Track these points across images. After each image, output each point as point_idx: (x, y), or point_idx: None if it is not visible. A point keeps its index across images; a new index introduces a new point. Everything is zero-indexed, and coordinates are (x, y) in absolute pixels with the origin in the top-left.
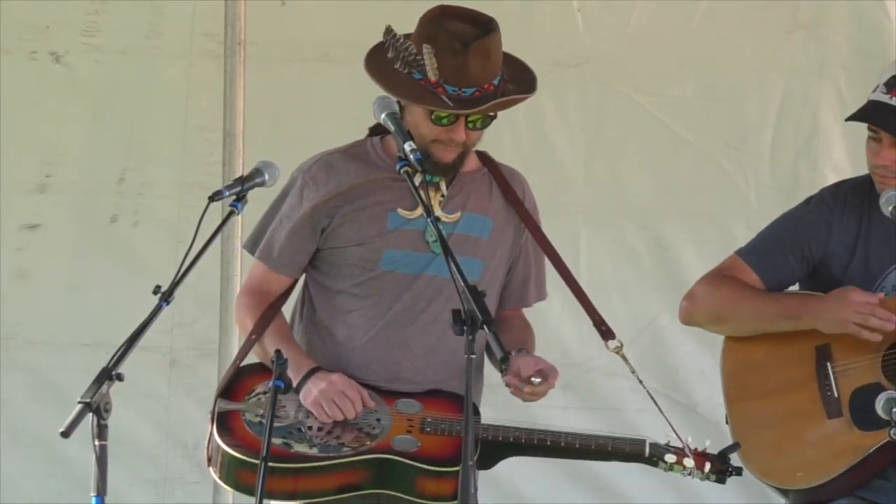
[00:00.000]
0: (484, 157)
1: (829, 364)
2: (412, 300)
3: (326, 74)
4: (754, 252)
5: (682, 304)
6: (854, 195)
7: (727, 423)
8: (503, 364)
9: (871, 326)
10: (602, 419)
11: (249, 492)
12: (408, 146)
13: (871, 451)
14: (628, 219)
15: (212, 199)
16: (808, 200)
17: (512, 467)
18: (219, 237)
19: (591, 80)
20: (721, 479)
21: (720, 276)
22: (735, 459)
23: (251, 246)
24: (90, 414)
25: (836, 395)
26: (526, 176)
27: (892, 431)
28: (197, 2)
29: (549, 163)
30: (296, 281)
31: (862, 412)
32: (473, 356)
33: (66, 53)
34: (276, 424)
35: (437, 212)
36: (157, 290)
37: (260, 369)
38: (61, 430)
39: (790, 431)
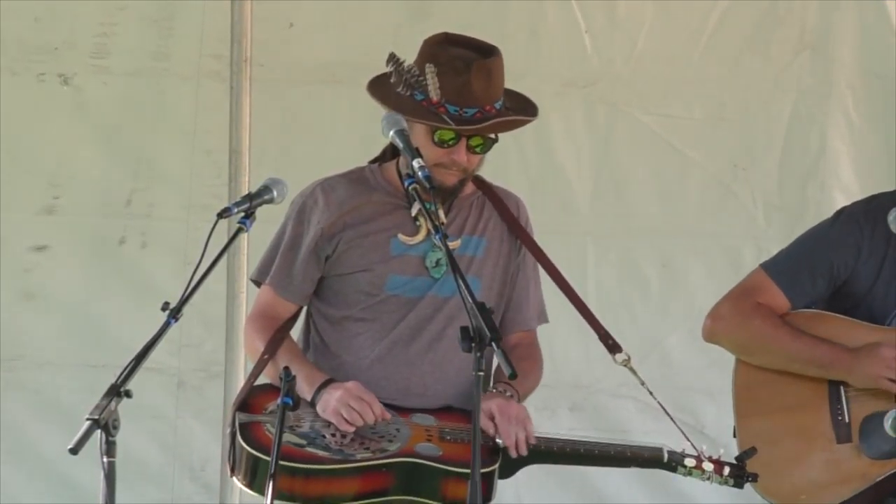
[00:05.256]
0: (478, 181)
1: (842, 387)
2: (416, 319)
3: (332, 96)
4: (783, 272)
5: (706, 322)
6: (886, 211)
7: (734, 436)
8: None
9: None
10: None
11: (279, 496)
12: (416, 163)
13: (878, 479)
14: (636, 240)
15: (220, 215)
16: (839, 214)
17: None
18: (225, 255)
19: (599, 101)
20: (739, 484)
21: (750, 303)
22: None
23: (257, 274)
24: (98, 431)
25: (847, 419)
26: (533, 196)
27: None
28: (205, 24)
29: (556, 183)
30: (301, 307)
31: (872, 439)
32: (482, 373)
33: (74, 75)
34: (297, 433)
35: (436, 239)
36: (165, 306)
37: (272, 388)
38: (69, 446)
39: (797, 452)
